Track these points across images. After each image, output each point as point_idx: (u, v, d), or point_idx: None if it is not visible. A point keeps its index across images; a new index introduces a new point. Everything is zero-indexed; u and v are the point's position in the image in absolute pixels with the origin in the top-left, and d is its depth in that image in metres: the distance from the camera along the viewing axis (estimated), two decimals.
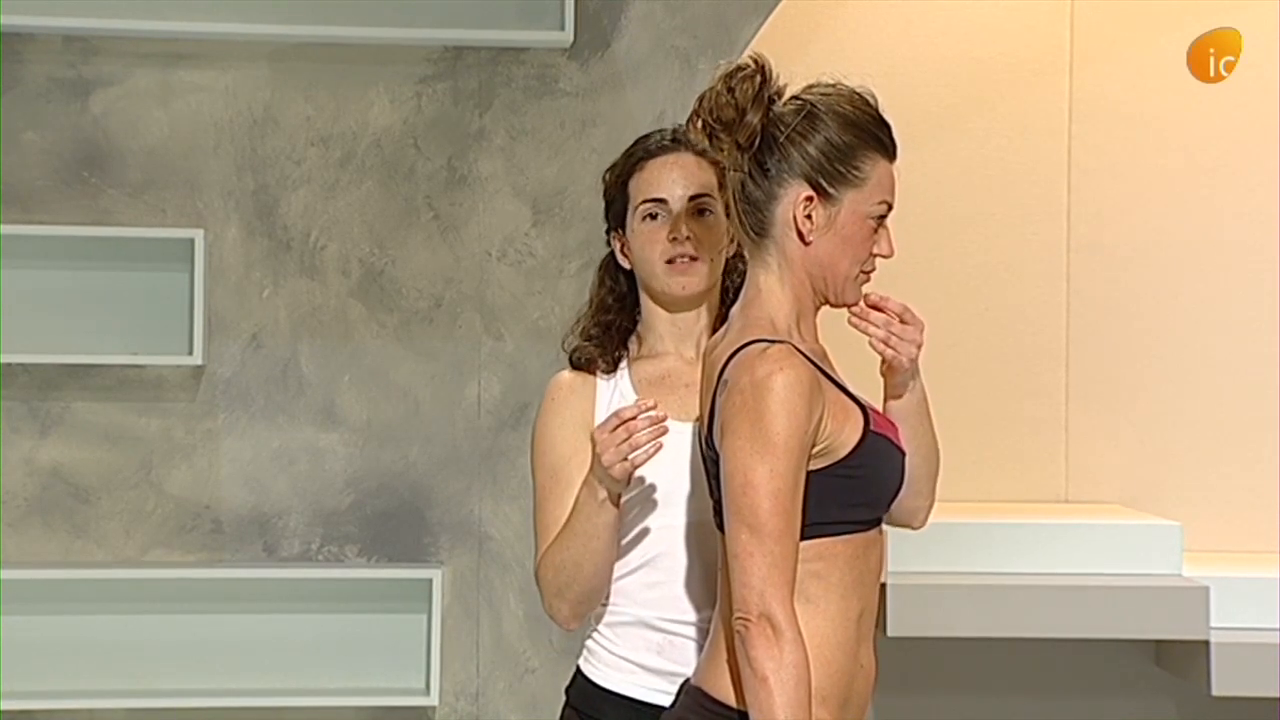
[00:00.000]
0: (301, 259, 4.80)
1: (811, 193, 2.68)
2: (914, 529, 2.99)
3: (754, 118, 2.67)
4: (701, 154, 3.01)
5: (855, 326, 2.81)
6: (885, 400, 2.88)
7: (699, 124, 2.71)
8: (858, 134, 2.69)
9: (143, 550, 4.77)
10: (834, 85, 2.73)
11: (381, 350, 4.81)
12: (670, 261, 2.99)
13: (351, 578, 4.75)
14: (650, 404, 2.78)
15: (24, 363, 4.68)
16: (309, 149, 4.80)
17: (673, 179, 3.01)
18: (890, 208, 2.74)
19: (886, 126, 2.73)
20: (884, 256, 2.75)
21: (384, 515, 4.81)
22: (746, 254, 2.77)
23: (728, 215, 2.85)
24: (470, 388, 4.82)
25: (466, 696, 4.81)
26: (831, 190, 2.68)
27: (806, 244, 2.70)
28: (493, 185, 4.82)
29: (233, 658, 4.74)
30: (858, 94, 2.72)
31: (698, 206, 3.01)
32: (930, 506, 2.96)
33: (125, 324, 4.72)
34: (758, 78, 2.68)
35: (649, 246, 3.01)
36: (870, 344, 2.81)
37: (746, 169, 2.70)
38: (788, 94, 2.72)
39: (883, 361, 2.84)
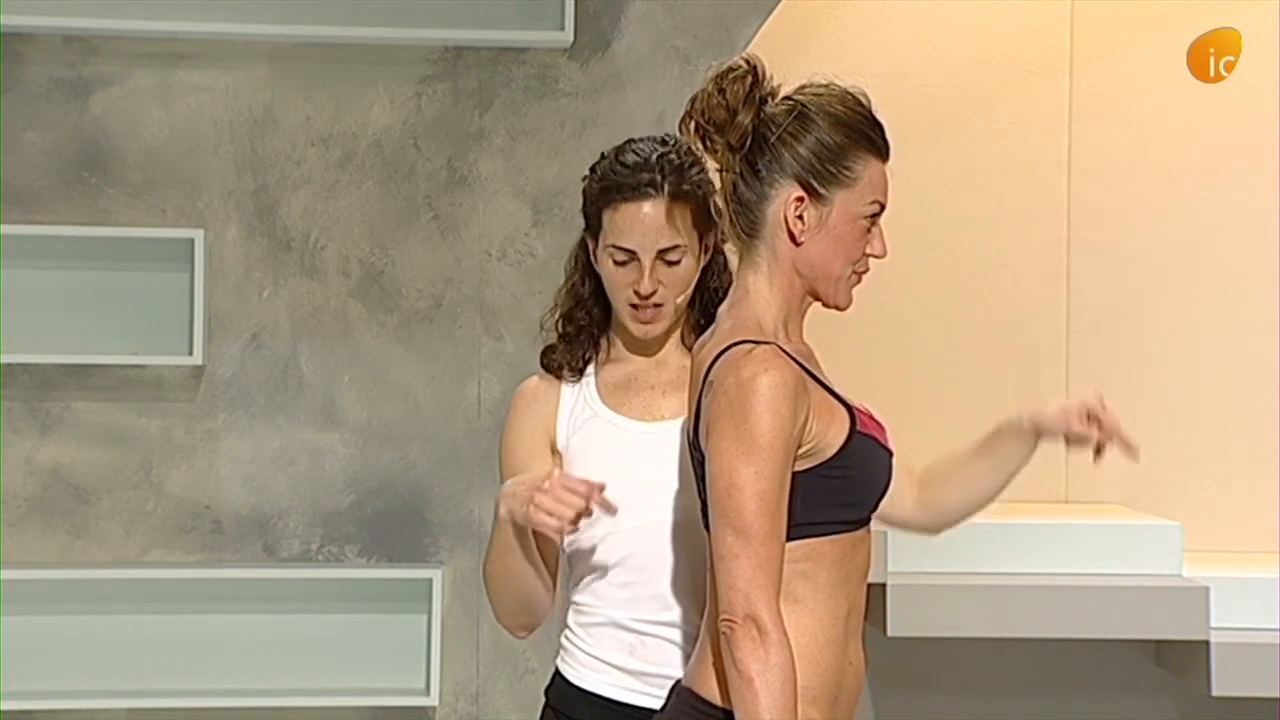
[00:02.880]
0: (301, 259, 4.80)
1: (802, 193, 2.67)
2: (933, 533, 3.09)
3: (745, 118, 2.66)
4: (676, 196, 2.94)
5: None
6: (1008, 442, 3.15)
7: (691, 125, 2.71)
8: (849, 134, 2.68)
9: (143, 550, 4.77)
10: (826, 85, 2.72)
11: (381, 350, 4.81)
12: (635, 306, 2.98)
13: (351, 578, 4.75)
14: (601, 490, 2.79)
15: (24, 363, 4.68)
16: (309, 149, 4.80)
17: (643, 231, 2.93)
18: (883, 207, 2.73)
19: (878, 126, 2.72)
20: (876, 257, 2.75)
21: (384, 515, 4.81)
22: (736, 254, 2.77)
23: (719, 216, 2.86)
24: (470, 388, 4.82)
25: (466, 696, 4.81)
26: (823, 190, 2.67)
27: (798, 244, 2.69)
28: (493, 185, 4.82)
29: (233, 658, 4.74)
30: (849, 94, 2.72)
31: (666, 258, 2.96)
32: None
33: (125, 324, 4.71)
34: (749, 78, 2.67)
35: (615, 288, 2.99)
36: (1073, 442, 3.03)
37: (738, 170, 2.69)
38: (781, 94, 2.72)
39: (1064, 440, 3.05)
